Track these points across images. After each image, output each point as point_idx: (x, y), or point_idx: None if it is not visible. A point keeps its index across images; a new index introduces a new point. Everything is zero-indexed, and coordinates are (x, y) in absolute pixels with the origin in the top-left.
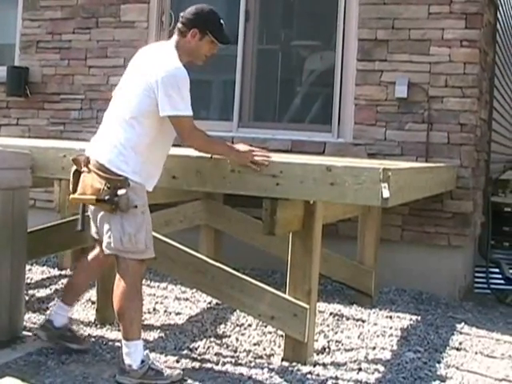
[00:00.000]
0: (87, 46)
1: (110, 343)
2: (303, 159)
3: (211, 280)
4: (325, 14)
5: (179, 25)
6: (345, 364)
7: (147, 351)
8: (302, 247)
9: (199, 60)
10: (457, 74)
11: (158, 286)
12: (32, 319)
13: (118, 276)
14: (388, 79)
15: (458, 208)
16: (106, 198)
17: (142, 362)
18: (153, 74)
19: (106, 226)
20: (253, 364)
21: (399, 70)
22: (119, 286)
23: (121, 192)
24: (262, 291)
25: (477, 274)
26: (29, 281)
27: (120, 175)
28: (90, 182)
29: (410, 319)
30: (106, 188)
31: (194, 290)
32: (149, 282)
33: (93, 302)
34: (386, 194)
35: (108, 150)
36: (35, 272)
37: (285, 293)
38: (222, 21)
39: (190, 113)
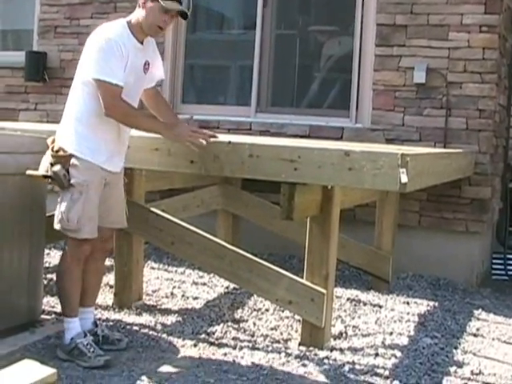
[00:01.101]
0: None
1: (128, 327)
2: (321, 144)
3: (229, 264)
4: None
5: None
6: (362, 349)
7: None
8: (320, 232)
9: (152, 31)
10: (475, 59)
11: (176, 271)
12: (50, 303)
13: None
14: (406, 64)
15: (476, 194)
16: (49, 174)
17: (72, 339)
18: (89, 44)
19: None
20: (270, 349)
21: (418, 55)
22: (59, 263)
23: (55, 168)
24: (279, 276)
25: (494, 261)
26: (47, 265)
27: (66, 151)
28: (44, 160)
29: (427, 305)
30: (49, 164)
31: (212, 275)
32: (166, 266)
33: (110, 286)
34: (404, 179)
35: (60, 128)
36: (53, 256)
37: (302, 278)
38: None
39: (114, 80)
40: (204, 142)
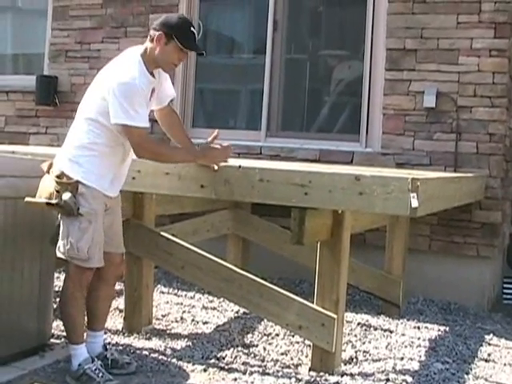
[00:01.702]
0: (116, 56)
1: (138, 351)
2: (332, 169)
3: (238, 288)
4: (353, 23)
5: (150, 31)
6: (372, 374)
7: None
8: (330, 257)
9: (167, 67)
10: (485, 83)
11: (186, 295)
12: (60, 327)
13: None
14: (416, 89)
15: (486, 218)
16: (55, 202)
17: (79, 365)
18: (109, 80)
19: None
20: (280, 374)
21: (428, 79)
22: (62, 290)
23: (65, 196)
24: (289, 300)
25: (505, 285)
26: (57, 289)
27: (71, 178)
28: (46, 186)
29: (438, 330)
30: (55, 191)
31: (222, 300)
32: (176, 290)
33: (120, 311)
34: (414, 203)
35: (63, 153)
36: (63, 280)
37: (312, 302)
38: (192, 28)
39: (140, 124)
40: (216, 167)
